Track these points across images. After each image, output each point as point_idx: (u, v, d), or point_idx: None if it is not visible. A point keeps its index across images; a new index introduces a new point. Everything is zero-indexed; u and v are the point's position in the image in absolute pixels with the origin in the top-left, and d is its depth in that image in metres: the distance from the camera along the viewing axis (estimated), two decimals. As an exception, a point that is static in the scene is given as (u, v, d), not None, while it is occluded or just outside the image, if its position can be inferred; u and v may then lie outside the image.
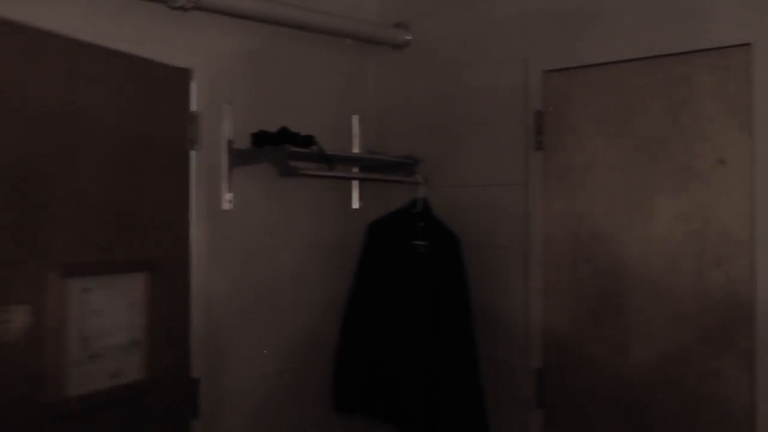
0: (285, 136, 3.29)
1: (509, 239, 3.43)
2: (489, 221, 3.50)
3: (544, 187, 3.32)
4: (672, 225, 2.97)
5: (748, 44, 2.79)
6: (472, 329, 3.44)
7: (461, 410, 3.38)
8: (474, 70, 3.58)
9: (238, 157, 3.30)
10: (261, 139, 3.30)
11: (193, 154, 3.16)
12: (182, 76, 3.14)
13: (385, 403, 3.51)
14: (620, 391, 3.10)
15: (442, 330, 3.41)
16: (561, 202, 3.28)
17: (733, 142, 2.84)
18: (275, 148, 3.25)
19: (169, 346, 3.07)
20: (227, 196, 3.30)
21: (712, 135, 2.88)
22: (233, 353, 3.32)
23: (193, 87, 3.17)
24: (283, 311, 3.50)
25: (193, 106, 3.17)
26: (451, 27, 3.68)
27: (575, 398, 3.23)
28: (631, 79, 3.09)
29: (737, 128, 2.83)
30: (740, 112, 2.82)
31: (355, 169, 3.80)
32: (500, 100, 3.48)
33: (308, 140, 3.34)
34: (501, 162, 3.47)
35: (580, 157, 3.22)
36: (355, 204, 3.80)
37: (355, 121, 3.80)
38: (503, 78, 3.48)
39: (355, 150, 3.78)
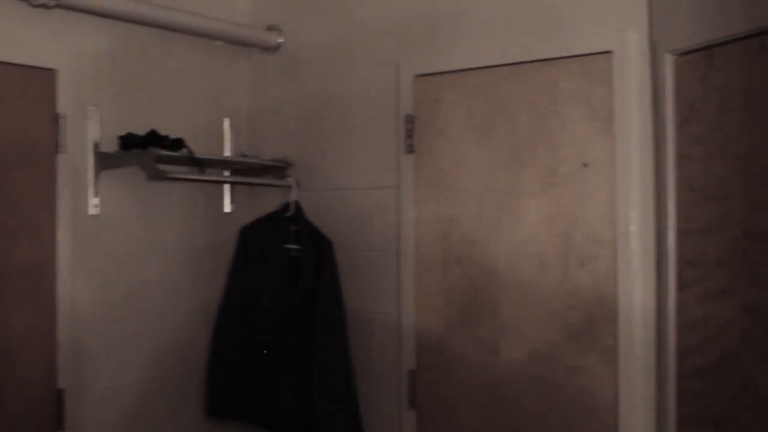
0: (154, 139, 3.22)
1: (382, 242, 3.47)
2: (362, 224, 3.53)
3: (416, 190, 3.37)
4: (539, 227, 3.07)
5: (609, 52, 2.92)
6: (345, 332, 3.45)
7: (335, 412, 3.38)
8: (346, 73, 3.61)
9: (105, 161, 3.22)
10: (128, 142, 3.22)
11: (59, 157, 3.07)
12: (46, 77, 3.04)
13: (260, 408, 3.50)
14: (492, 390, 3.17)
15: (316, 333, 3.41)
16: (432, 205, 3.33)
17: (596, 146, 2.96)
18: (143, 151, 3.18)
19: (25, 355, 2.98)
20: (93, 201, 3.21)
21: (576, 139, 3.00)
22: (102, 362, 3.23)
23: (59, 88, 3.07)
24: (154, 318, 3.43)
25: (59, 108, 3.07)
26: (323, 30, 3.69)
27: (447, 398, 3.28)
28: (499, 84, 3.17)
29: (599, 132, 2.96)
30: (602, 117, 2.95)
31: (227, 173, 3.75)
32: (372, 103, 3.52)
33: (178, 143, 3.29)
34: (373, 165, 3.51)
35: (450, 160, 3.29)
36: (227, 208, 3.76)
37: (227, 123, 3.76)
38: (375, 82, 3.51)
39: (227, 153, 3.74)
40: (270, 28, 3.82)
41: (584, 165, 2.97)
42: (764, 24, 2.43)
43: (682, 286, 2.73)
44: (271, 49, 3.82)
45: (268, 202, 3.71)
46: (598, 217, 2.94)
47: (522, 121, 3.11)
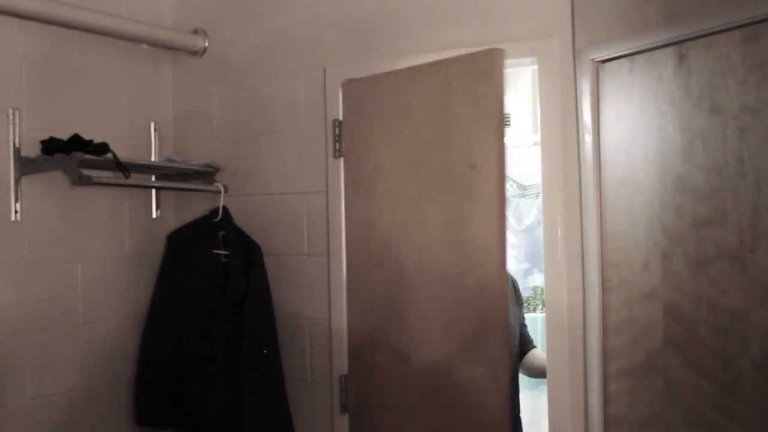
0: (77, 144, 3.16)
1: (312, 247, 3.47)
2: (291, 229, 3.52)
3: (345, 194, 3.37)
4: (438, 232, 2.94)
5: (496, 48, 2.70)
6: (275, 338, 3.44)
7: (266, 419, 3.38)
8: (273, 77, 3.59)
9: (26, 166, 3.14)
10: (51, 146, 3.15)
11: (-23, 162, 3.00)
12: (-36, 80, 2.97)
13: (190, 415, 3.47)
14: (404, 398, 3.13)
15: (244, 339, 3.39)
16: (358, 210, 3.32)
17: (483, 147, 2.78)
18: (66, 156, 3.11)
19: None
20: (15, 207, 3.13)
21: (466, 140, 2.83)
22: (27, 371, 3.15)
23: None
24: (80, 325, 3.36)
25: (-23, 112, 3.00)
26: (250, 34, 3.67)
27: (374, 404, 3.27)
28: (404, 85, 3.09)
29: (486, 133, 2.76)
30: (488, 116, 2.74)
31: (154, 178, 3.70)
32: (300, 108, 3.52)
33: (102, 148, 3.22)
34: (302, 170, 3.50)
35: (371, 164, 3.25)
36: (154, 213, 3.71)
37: (153, 128, 3.71)
38: (302, 86, 3.51)
39: (153, 158, 3.69)
40: (195, 32, 3.77)
41: (472, 167, 2.79)
42: (683, 33, 2.51)
43: (607, 289, 2.80)
44: (197, 52, 3.78)
45: (196, 207, 3.68)
46: (485, 221, 2.74)
47: (423, 122, 2.94)
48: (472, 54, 2.73)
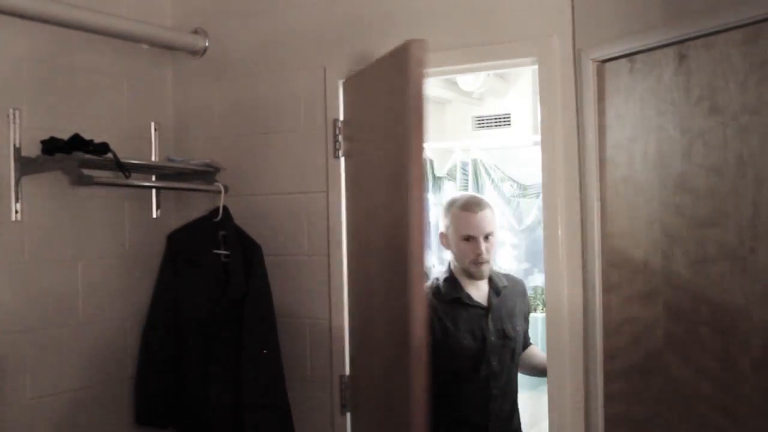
0: (77, 144, 3.15)
1: (312, 247, 3.47)
2: (292, 229, 3.52)
3: (346, 194, 3.36)
4: (383, 235, 2.93)
5: (416, 39, 2.58)
6: (275, 337, 3.44)
7: (266, 419, 3.37)
8: (274, 77, 3.59)
9: (26, 166, 3.13)
10: (51, 146, 3.14)
11: (-22, 162, 3.00)
12: (-36, 80, 2.96)
13: (190, 415, 3.47)
14: (373, 401, 3.12)
15: (245, 339, 3.39)
16: (352, 209, 3.32)
17: (407, 146, 2.61)
18: (67, 156, 3.11)
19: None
20: (15, 207, 3.13)
21: (397, 137, 2.70)
22: (27, 371, 3.15)
23: (-23, 92, 3.00)
24: (81, 325, 3.35)
25: (-22, 112, 3.00)
26: (250, 34, 3.67)
27: (367, 403, 3.26)
28: (376, 78, 3.03)
29: (409, 129, 2.59)
30: (409, 112, 2.58)
31: (154, 178, 3.70)
32: (300, 108, 3.52)
33: (102, 148, 3.22)
34: (303, 170, 3.50)
35: (359, 163, 3.25)
36: (155, 213, 3.70)
37: (153, 128, 3.70)
38: (303, 86, 3.51)
39: (153, 158, 3.69)
40: (195, 32, 3.77)
41: (400, 166, 2.66)
42: (684, 33, 2.51)
43: (607, 289, 2.80)
44: (197, 52, 3.77)
45: (196, 207, 3.67)
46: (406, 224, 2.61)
47: (385, 119, 2.87)
48: (399, 46, 2.62)
